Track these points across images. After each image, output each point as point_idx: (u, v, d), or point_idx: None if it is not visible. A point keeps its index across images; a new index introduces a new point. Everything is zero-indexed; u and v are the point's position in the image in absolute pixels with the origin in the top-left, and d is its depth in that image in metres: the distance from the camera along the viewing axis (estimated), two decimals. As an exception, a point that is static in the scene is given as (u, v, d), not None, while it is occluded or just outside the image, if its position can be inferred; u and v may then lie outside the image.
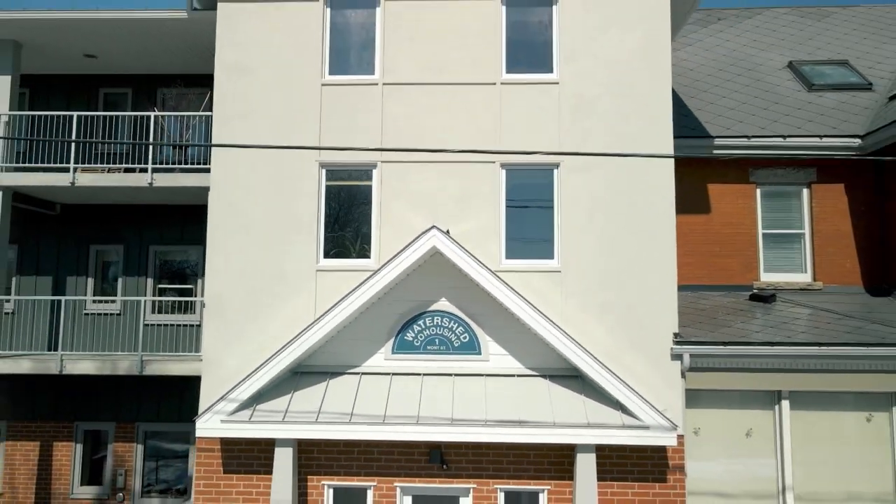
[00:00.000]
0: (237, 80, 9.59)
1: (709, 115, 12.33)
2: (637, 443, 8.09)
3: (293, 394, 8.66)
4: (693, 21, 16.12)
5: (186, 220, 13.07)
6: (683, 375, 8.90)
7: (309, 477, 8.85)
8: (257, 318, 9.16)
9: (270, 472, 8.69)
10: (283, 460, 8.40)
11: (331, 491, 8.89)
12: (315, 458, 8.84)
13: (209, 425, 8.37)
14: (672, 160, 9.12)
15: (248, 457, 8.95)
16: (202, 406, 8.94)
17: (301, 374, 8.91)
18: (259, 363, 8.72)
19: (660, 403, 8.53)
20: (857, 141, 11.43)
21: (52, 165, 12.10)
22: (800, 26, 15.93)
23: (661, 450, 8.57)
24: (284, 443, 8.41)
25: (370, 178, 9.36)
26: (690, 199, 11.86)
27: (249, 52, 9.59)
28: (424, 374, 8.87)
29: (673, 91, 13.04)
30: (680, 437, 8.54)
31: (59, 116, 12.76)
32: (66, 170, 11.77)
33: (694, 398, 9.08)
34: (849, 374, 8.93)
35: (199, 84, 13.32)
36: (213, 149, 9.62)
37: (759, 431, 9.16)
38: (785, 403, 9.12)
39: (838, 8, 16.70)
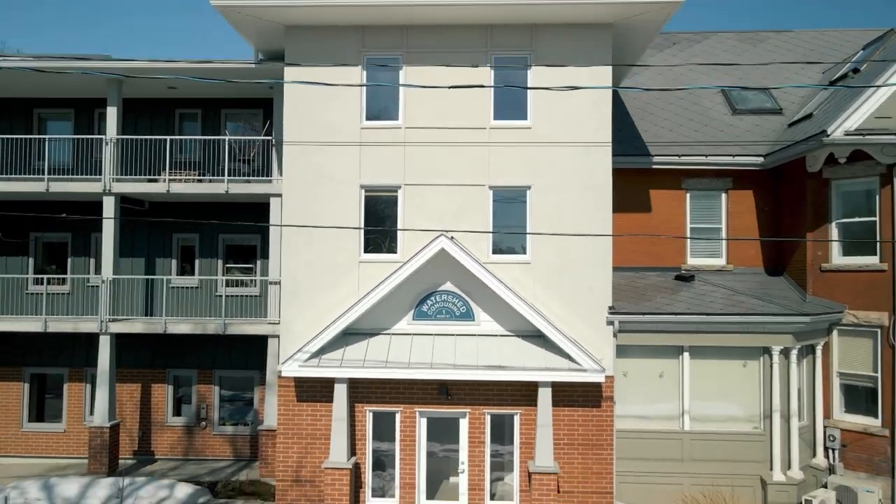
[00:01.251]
0: (301, 120, 13.21)
1: (652, 136, 15.93)
2: (577, 380, 12.06)
3: (345, 348, 12.58)
4: (654, 45, 19.52)
5: (247, 214, 16.71)
6: (615, 335, 12.80)
7: (356, 404, 12.86)
8: (317, 296, 13.00)
9: (330, 402, 12.66)
10: (341, 392, 12.39)
11: (371, 413, 12.92)
12: (360, 391, 12.83)
13: (291, 368, 12.33)
14: (609, 187, 12.81)
15: (313, 391, 12.93)
16: (281, 357, 12.86)
17: (349, 335, 12.80)
18: (319, 328, 12.59)
19: (598, 355, 12.43)
20: (760, 159, 15.09)
21: (140, 177, 15.84)
22: (738, 51, 19.39)
23: (597, 386, 12.53)
24: (341, 381, 12.38)
25: (396, 195, 13.10)
26: (636, 201, 15.62)
27: (310, 103, 13.19)
28: (435, 335, 12.78)
29: (627, 114, 16.73)
30: (609, 377, 12.49)
31: (150, 133, 16.40)
32: (155, 179, 15.54)
33: (623, 351, 13.01)
34: (730, 333, 12.85)
35: (255, 106, 16.95)
36: (284, 171, 13.32)
37: (668, 373, 13.14)
38: (686, 354, 13.08)
39: (772, 33, 20.13)
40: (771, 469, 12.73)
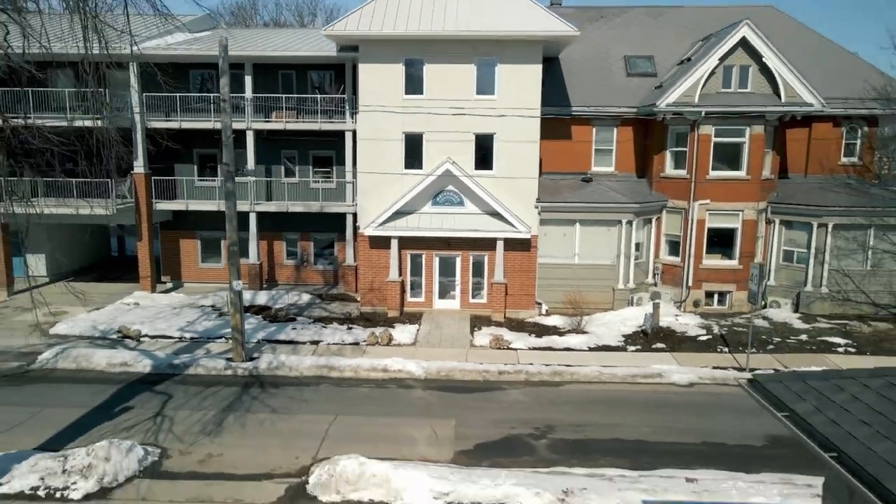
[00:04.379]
0: (367, 92, 23.54)
1: (573, 92, 26.13)
2: (516, 237, 23.39)
3: (396, 220, 23.80)
4: (587, 18, 29.14)
5: (327, 139, 27.30)
6: (539, 214, 23.96)
7: (402, 250, 24.28)
8: (379, 192, 23.97)
9: (388, 249, 24.06)
10: (394, 244, 23.79)
11: (409, 255, 24.41)
12: (404, 243, 24.19)
13: (369, 231, 23.65)
14: (538, 130, 23.41)
15: (378, 243, 24.29)
16: (361, 226, 24.10)
17: (397, 213, 23.90)
18: (380, 210, 23.70)
19: (529, 224, 23.64)
20: (634, 110, 25.48)
21: (260, 118, 26.30)
22: (642, 24, 28.97)
23: (527, 240, 23.87)
24: (394, 237, 23.72)
25: (422, 137, 23.72)
26: (563, 133, 26.15)
27: (373, 81, 23.44)
28: (443, 214, 23.94)
29: (562, 76, 26.85)
30: (534, 235, 23.82)
31: (264, 87, 26.56)
32: (269, 119, 26.02)
33: (544, 222, 24.21)
34: (600, 213, 24.00)
35: (330, 68, 27.00)
36: (359, 113, 23.85)
37: (568, 234, 24.46)
38: (578, 224, 24.32)
39: (668, 9, 29.53)
40: (618, 283, 24.42)
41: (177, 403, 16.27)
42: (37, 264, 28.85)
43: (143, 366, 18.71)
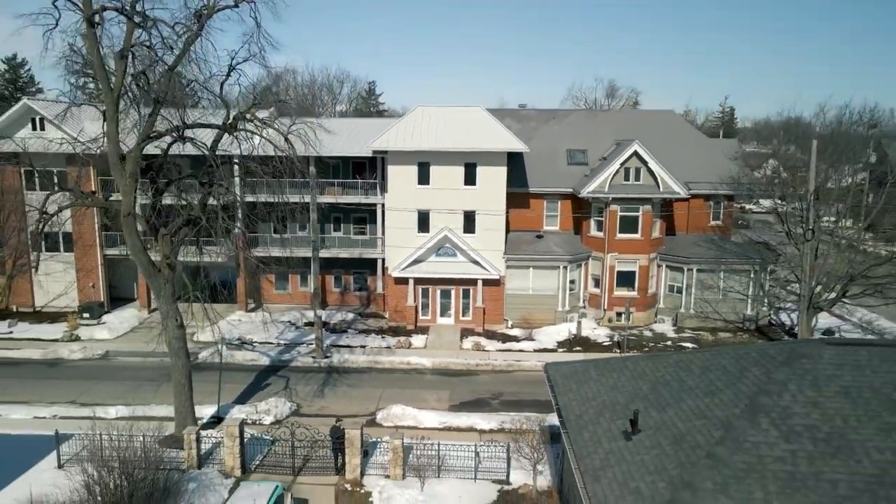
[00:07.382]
0: (393, 183, 36.16)
1: (531, 175, 38.67)
2: (490, 277, 36.04)
3: (412, 266, 36.44)
4: (543, 119, 41.74)
5: (363, 208, 39.92)
6: (506, 262, 36.55)
7: (416, 285, 36.93)
8: (400, 247, 36.58)
9: (407, 284, 36.68)
10: (411, 281, 36.43)
11: (420, 288, 37.06)
12: (418, 280, 36.82)
13: (394, 273, 36.32)
14: (504, 208, 36.11)
15: (401, 280, 36.92)
16: (388, 269, 36.76)
17: (413, 261, 36.54)
18: (401, 259, 36.33)
19: (499, 268, 36.26)
20: (571, 190, 38.06)
21: (319, 193, 38.97)
22: (583, 124, 41.57)
23: (498, 279, 36.48)
24: (411, 277, 36.36)
25: (429, 213, 36.35)
26: (523, 205, 38.76)
27: (396, 176, 36.07)
28: (443, 262, 36.57)
29: (524, 163, 39.65)
30: (502, 276, 36.44)
31: (319, 171, 39.12)
32: (323, 193, 38.68)
33: (510, 266, 36.81)
34: (547, 260, 36.60)
35: (365, 160, 39.63)
36: (388, 192, 36.52)
37: (525, 275, 37.08)
38: (531, 268, 36.95)
39: (602, 112, 42.18)
40: (558, 306, 37.08)
41: (293, 381, 28.94)
42: (161, 291, 41.53)
43: (264, 361, 31.37)
